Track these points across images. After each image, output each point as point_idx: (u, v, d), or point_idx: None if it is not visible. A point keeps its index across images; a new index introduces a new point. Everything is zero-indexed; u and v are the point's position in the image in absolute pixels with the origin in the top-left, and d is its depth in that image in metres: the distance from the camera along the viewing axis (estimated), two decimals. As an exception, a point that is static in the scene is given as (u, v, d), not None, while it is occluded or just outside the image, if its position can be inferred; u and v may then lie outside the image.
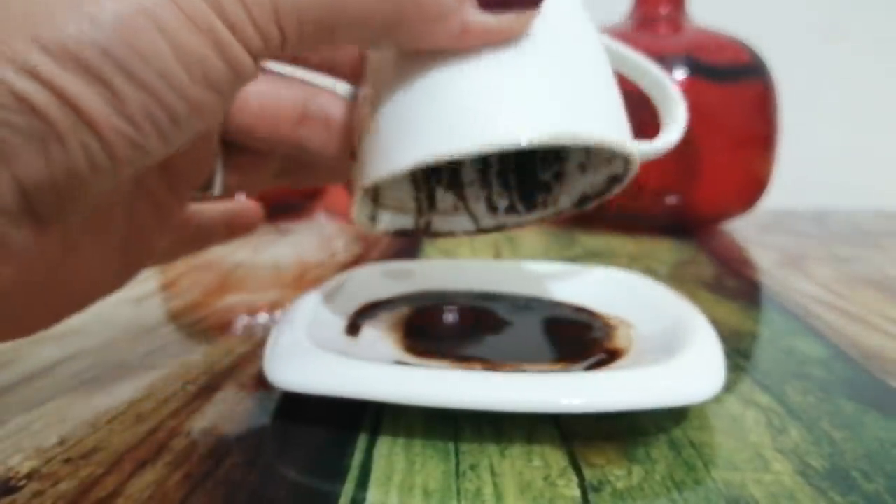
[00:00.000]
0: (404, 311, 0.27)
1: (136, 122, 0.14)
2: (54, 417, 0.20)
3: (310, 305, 0.24)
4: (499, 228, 0.25)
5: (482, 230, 0.25)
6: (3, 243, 0.14)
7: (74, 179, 0.14)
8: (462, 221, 0.25)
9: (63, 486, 0.16)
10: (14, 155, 0.13)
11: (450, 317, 0.28)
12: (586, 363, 0.22)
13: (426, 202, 0.25)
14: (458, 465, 0.17)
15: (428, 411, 0.20)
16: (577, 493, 0.16)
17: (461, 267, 0.32)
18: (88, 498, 0.16)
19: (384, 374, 0.19)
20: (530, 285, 0.29)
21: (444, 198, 0.25)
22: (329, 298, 0.26)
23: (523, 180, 0.25)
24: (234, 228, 0.26)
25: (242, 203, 0.26)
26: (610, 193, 0.23)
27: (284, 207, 0.54)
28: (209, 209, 0.24)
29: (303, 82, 0.22)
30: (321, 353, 0.20)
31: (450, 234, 0.25)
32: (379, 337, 0.24)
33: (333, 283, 0.27)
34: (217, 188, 0.22)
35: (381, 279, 0.29)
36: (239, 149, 0.22)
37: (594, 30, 0.20)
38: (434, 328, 0.26)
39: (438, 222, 0.25)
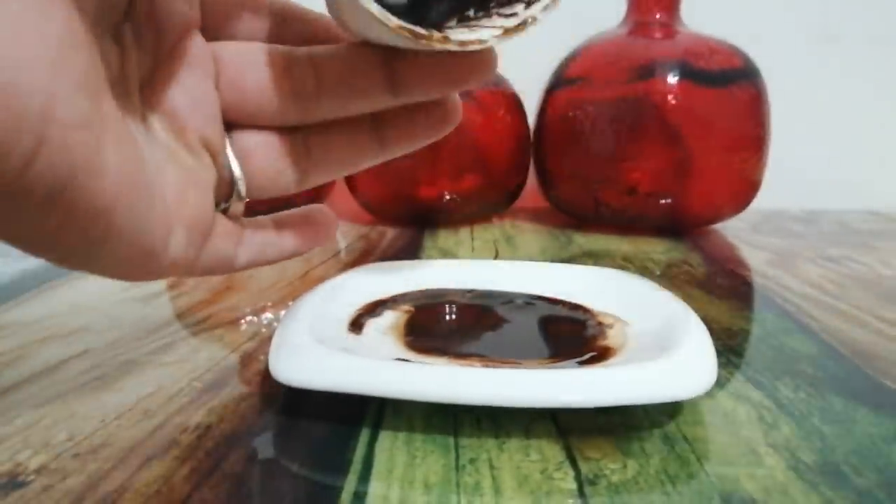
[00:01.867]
0: (406, 309, 0.28)
1: None
2: (63, 414, 0.20)
3: (314, 303, 0.25)
4: (520, 27, 0.21)
5: (508, 31, 0.20)
6: None
7: None
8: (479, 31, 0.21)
9: (71, 481, 0.17)
10: None
11: (450, 315, 0.28)
12: (581, 359, 0.22)
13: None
14: (457, 458, 0.18)
15: (428, 407, 0.20)
16: (573, 486, 0.17)
17: (461, 266, 0.32)
18: (96, 492, 0.16)
19: (386, 370, 0.19)
20: (528, 284, 0.30)
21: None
22: (332, 296, 0.26)
23: None
24: (304, 236, 0.24)
25: (309, 207, 0.24)
26: None
27: (288, 208, 0.54)
28: (267, 218, 0.24)
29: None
30: (325, 350, 0.20)
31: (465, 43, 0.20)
32: (381, 334, 0.25)
33: (337, 281, 0.28)
34: (240, 187, 0.22)
35: (384, 278, 0.30)
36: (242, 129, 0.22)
37: None
38: (434, 326, 0.27)
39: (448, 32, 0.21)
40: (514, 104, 0.56)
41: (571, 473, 0.17)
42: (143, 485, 0.16)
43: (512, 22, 0.21)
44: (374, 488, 0.16)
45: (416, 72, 0.21)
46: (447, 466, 0.17)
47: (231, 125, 0.22)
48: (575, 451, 0.18)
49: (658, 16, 0.52)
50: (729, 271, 0.41)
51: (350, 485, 0.17)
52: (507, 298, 0.29)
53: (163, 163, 0.19)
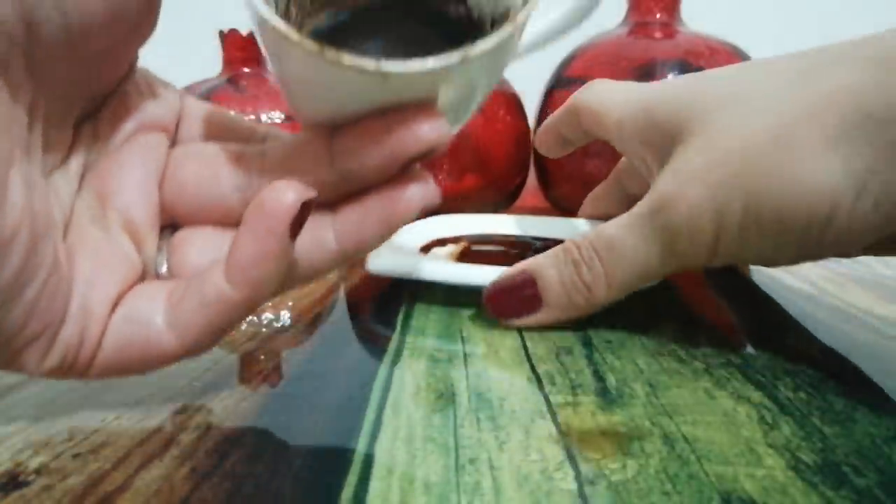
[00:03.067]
0: (462, 244, 0.39)
1: None
2: (63, 413, 0.20)
3: (394, 237, 0.31)
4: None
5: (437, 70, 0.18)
6: None
7: None
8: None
9: (71, 481, 0.17)
10: None
11: (494, 248, 0.40)
12: None
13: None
14: (457, 458, 0.18)
15: (428, 407, 0.20)
16: (573, 486, 0.17)
17: (508, 219, 0.42)
18: (96, 492, 0.16)
19: (445, 266, 0.33)
20: (558, 232, 0.40)
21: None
22: (408, 234, 0.37)
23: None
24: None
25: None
26: None
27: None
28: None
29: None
30: (407, 255, 0.34)
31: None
32: (443, 256, 0.36)
33: (413, 225, 0.37)
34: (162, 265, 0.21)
35: (444, 225, 0.40)
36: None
37: None
38: (481, 254, 0.38)
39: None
40: (514, 104, 0.56)
41: (571, 473, 0.17)
42: (143, 484, 0.16)
43: (444, 61, 0.17)
44: (374, 488, 0.16)
45: (354, 133, 0.19)
46: (447, 466, 0.18)
47: (175, 225, 0.21)
48: (575, 451, 0.18)
49: (658, 16, 0.52)
50: (729, 271, 0.41)
51: (350, 485, 0.17)
52: (542, 241, 0.39)
53: (75, 240, 0.19)
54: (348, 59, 0.16)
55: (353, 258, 0.20)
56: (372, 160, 0.19)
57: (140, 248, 0.20)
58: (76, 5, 0.17)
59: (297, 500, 0.16)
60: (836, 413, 0.21)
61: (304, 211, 0.18)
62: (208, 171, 0.21)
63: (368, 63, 0.16)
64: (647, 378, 0.23)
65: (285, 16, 0.21)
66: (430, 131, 0.19)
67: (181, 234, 0.21)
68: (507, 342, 0.27)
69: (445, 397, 0.21)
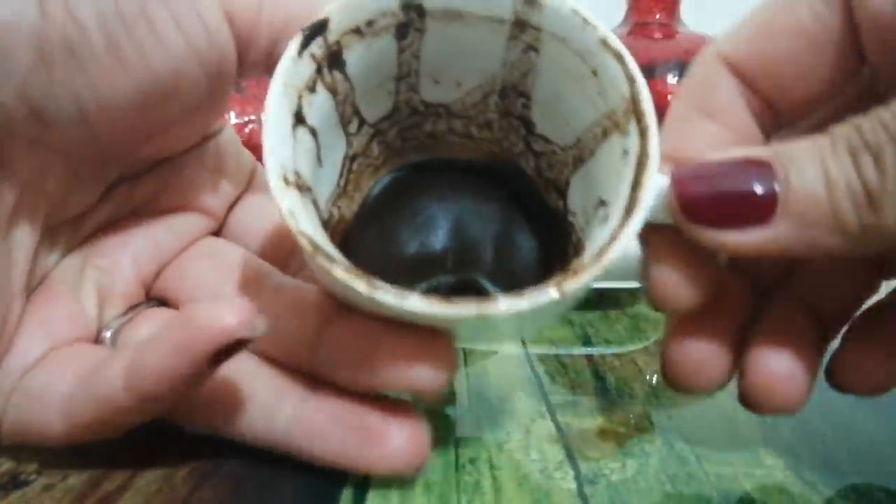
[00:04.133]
0: None
1: None
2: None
3: None
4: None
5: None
6: None
7: None
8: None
9: (72, 480, 0.17)
10: None
11: None
12: None
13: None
14: (457, 458, 0.18)
15: (428, 406, 0.20)
16: (573, 485, 0.17)
17: None
18: (97, 492, 0.16)
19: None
20: None
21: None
22: None
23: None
24: None
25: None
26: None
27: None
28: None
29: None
30: None
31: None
32: None
33: None
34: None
35: None
36: None
37: None
38: None
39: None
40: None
41: (571, 473, 0.17)
42: (143, 484, 0.16)
43: (462, 310, 0.14)
44: (375, 488, 0.16)
45: (348, 327, 0.16)
46: (447, 466, 0.18)
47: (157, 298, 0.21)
48: (574, 451, 0.18)
49: (658, 16, 0.52)
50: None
51: (350, 485, 0.17)
52: None
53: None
54: (339, 272, 0.14)
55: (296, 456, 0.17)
56: (355, 370, 0.16)
57: (104, 311, 0.19)
58: (96, 99, 0.16)
59: (297, 500, 0.16)
60: (835, 414, 0.21)
61: (238, 344, 0.15)
62: (214, 279, 0.19)
63: (359, 285, 0.14)
64: (647, 378, 0.23)
65: (364, 151, 0.19)
66: (427, 377, 0.15)
67: (154, 311, 0.20)
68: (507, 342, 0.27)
69: (445, 397, 0.21)
